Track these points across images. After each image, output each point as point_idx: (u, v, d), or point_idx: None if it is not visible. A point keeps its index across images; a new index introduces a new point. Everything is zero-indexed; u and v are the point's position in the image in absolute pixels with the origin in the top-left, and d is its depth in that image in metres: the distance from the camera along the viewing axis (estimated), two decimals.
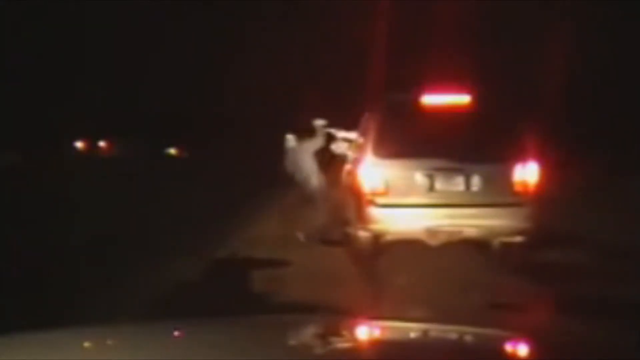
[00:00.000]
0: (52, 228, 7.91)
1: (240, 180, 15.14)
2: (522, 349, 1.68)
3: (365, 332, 1.90)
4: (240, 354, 1.50)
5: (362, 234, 6.17)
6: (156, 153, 31.41)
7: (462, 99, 6.22)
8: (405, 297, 4.83)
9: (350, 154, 7.31)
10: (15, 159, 18.55)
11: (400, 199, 5.97)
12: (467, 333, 1.85)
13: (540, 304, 5.10)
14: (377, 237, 6.12)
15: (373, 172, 6.03)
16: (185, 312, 4.31)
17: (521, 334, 1.85)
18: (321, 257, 6.82)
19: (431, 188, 5.95)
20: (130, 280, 5.48)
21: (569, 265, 6.49)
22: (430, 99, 6.23)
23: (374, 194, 6.00)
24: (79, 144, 31.90)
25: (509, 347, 1.69)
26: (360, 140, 6.76)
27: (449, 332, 1.90)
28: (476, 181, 5.89)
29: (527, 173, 5.73)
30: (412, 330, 1.91)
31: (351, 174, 6.77)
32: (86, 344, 1.65)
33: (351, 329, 1.94)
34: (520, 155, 5.75)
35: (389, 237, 6.12)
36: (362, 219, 6.11)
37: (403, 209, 6.00)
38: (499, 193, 5.88)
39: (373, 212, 5.99)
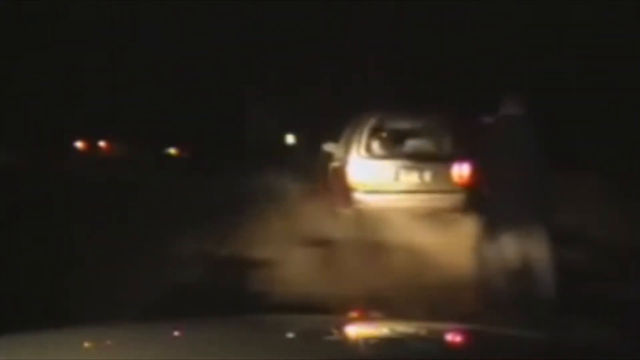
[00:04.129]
0: (51, 228, 7.91)
1: (241, 180, 15.14)
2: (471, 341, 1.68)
3: (364, 331, 1.91)
4: (240, 354, 1.50)
5: (347, 211, 8.46)
6: (156, 153, 31.43)
7: (419, 119, 9.07)
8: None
9: (337, 154, 9.51)
10: (10, 158, 18.43)
11: (375, 187, 8.44)
12: (461, 331, 1.85)
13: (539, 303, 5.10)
14: (358, 213, 8.31)
15: (357, 168, 8.53)
16: (185, 312, 4.31)
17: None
18: (321, 257, 6.82)
19: (397, 180, 8.48)
20: (130, 280, 5.48)
21: (569, 265, 6.50)
22: (395, 120, 8.98)
23: (358, 183, 8.43)
24: (79, 144, 31.87)
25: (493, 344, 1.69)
26: (345, 145, 9.12)
27: (445, 331, 1.90)
28: (427, 175, 8.45)
29: (461, 170, 7.47)
30: (410, 328, 1.91)
31: (339, 169, 9.02)
32: (86, 344, 1.65)
33: (350, 328, 1.94)
34: (457, 158, 7.61)
35: (366, 214, 8.21)
36: (348, 201, 8.43)
37: (377, 194, 8.43)
38: (442, 184, 8.24)
39: (356, 196, 8.39)
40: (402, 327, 1.96)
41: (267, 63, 22.49)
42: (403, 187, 8.44)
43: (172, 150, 38.93)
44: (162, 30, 23.73)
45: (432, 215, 7.97)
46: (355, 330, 1.92)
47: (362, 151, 8.61)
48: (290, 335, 1.84)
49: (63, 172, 15.98)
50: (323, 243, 7.24)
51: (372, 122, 8.85)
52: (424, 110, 9.49)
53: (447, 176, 7.95)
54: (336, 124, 10.23)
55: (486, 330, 1.85)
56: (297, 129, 16.87)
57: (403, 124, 9.01)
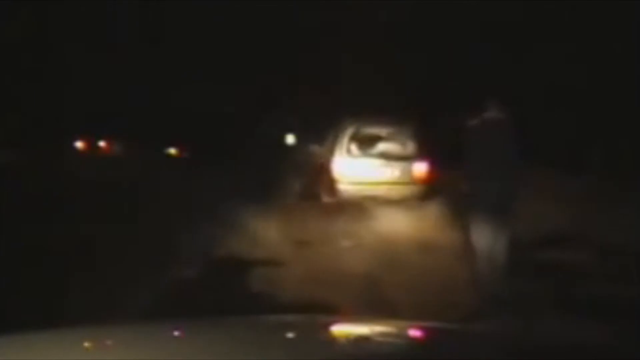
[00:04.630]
0: (51, 228, 7.91)
1: (241, 180, 15.13)
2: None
3: (364, 331, 1.91)
4: (240, 354, 1.50)
5: (330, 199, 10.62)
6: (156, 153, 31.37)
7: (388, 127, 10.96)
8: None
9: (323, 154, 11.58)
10: (10, 157, 18.42)
11: (354, 180, 10.48)
12: (453, 331, 1.85)
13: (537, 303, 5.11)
14: (339, 202, 10.42)
15: (340, 165, 10.59)
16: (185, 312, 4.31)
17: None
18: (320, 257, 6.84)
19: (371, 175, 10.48)
20: (130, 280, 5.48)
21: (569, 265, 6.50)
22: (369, 128, 10.97)
23: (340, 178, 10.51)
24: (79, 144, 31.81)
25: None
26: (330, 147, 11.19)
27: (444, 331, 1.90)
28: (395, 171, 10.49)
29: (420, 168, 10.36)
30: (408, 329, 1.91)
31: (325, 166, 11.04)
32: (86, 344, 1.65)
33: (350, 329, 1.94)
34: (417, 158, 10.43)
35: (347, 201, 10.34)
36: (333, 191, 10.54)
37: (356, 186, 10.45)
38: (406, 178, 10.43)
39: (340, 187, 10.47)
40: (403, 328, 1.96)
41: (271, 67, 23.14)
42: (376, 181, 10.55)
43: (172, 150, 38.92)
44: (164, 30, 23.72)
45: (398, 202, 10.24)
46: (355, 331, 1.92)
47: (344, 152, 10.71)
48: (290, 335, 1.84)
49: (63, 171, 15.98)
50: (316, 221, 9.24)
51: (351, 129, 10.94)
52: (392, 119, 11.28)
53: (410, 172, 10.48)
54: (328, 127, 12.24)
55: (468, 329, 1.85)
56: (297, 129, 17.81)
57: (375, 131, 11.01)
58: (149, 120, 28.54)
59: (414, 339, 1.80)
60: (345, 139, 10.80)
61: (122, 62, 24.04)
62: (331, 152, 10.91)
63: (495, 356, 1.57)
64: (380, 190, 10.40)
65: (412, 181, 10.39)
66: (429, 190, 10.25)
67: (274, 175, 12.21)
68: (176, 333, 1.79)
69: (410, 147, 10.64)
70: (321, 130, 12.70)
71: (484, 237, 5.34)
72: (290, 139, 16.29)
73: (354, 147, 10.73)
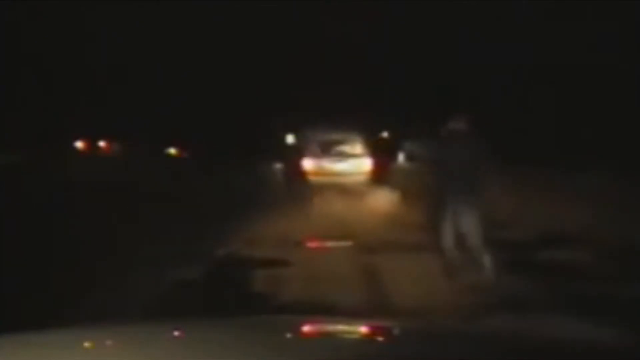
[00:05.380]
0: (51, 227, 7.91)
1: (240, 179, 15.18)
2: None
3: (363, 331, 1.91)
4: (240, 354, 1.50)
5: (302, 186, 13.86)
6: (156, 153, 31.40)
7: (342, 133, 16.14)
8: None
9: (296, 152, 15.84)
10: (15, 158, 18.49)
11: (319, 172, 14.78)
12: (453, 331, 1.85)
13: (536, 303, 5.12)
14: (309, 186, 13.90)
15: (308, 162, 14.95)
16: (185, 312, 4.32)
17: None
18: (320, 257, 6.84)
19: (331, 167, 14.94)
20: (130, 280, 5.48)
21: (569, 264, 6.51)
22: (329, 134, 16.06)
23: (309, 170, 14.80)
24: (79, 144, 31.80)
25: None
26: (299, 147, 15.88)
27: (444, 331, 1.90)
28: (348, 165, 15.00)
29: (366, 162, 15.11)
30: (408, 329, 1.92)
31: (297, 161, 15.10)
32: (86, 344, 1.65)
33: (349, 329, 1.94)
34: (364, 156, 15.18)
35: (315, 186, 14.00)
36: (302, 181, 14.24)
37: (320, 176, 14.61)
38: (356, 170, 14.94)
39: (308, 179, 14.35)
40: (403, 328, 1.96)
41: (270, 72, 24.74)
42: (335, 172, 14.96)
43: (172, 150, 38.94)
44: (166, 32, 23.73)
45: (351, 186, 14.08)
46: (354, 331, 1.92)
47: (311, 152, 15.20)
48: (290, 335, 1.84)
49: (64, 171, 15.99)
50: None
51: (315, 134, 15.78)
52: (346, 129, 16.12)
53: (359, 166, 15.14)
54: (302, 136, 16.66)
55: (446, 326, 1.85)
56: (296, 130, 19.79)
57: (333, 137, 15.84)
58: (149, 121, 28.51)
59: (413, 339, 1.80)
60: (311, 141, 15.63)
61: (122, 63, 24.02)
62: (302, 153, 15.34)
63: (495, 356, 1.57)
64: (338, 179, 14.76)
65: (360, 172, 15.08)
66: (372, 178, 14.92)
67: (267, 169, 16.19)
68: (176, 333, 1.79)
69: (359, 148, 15.52)
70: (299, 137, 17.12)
71: (450, 223, 6.11)
72: (290, 138, 18.97)
73: (317, 147, 15.42)
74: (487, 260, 5.83)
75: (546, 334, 2.11)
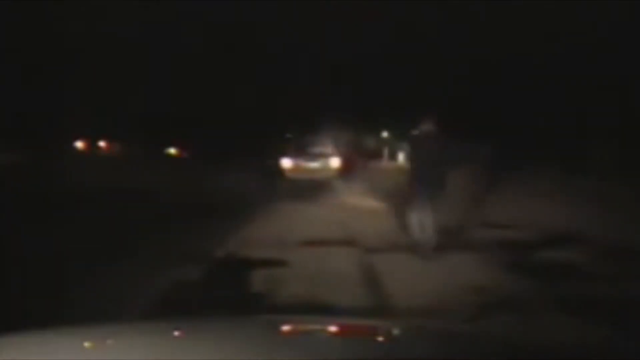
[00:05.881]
0: (51, 227, 7.91)
1: (240, 179, 15.22)
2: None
3: (363, 331, 1.91)
4: (239, 354, 1.50)
5: (282, 181, 16.60)
6: (156, 153, 31.44)
7: (316, 137, 19.64)
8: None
9: (277, 153, 18.36)
10: (16, 157, 18.53)
11: (296, 169, 17.33)
12: (453, 331, 1.85)
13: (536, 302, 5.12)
14: (287, 181, 16.58)
15: (286, 162, 17.46)
16: (185, 312, 4.31)
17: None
18: (319, 257, 6.85)
19: (306, 166, 17.46)
20: (130, 280, 5.48)
21: (569, 264, 6.52)
22: (304, 137, 19.80)
23: (287, 169, 17.34)
24: (79, 144, 31.81)
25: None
26: (281, 148, 18.51)
27: (444, 331, 1.90)
28: (321, 164, 17.49)
29: (335, 161, 17.61)
30: (404, 329, 1.92)
31: (277, 161, 17.68)
32: (86, 344, 1.65)
33: (349, 329, 1.94)
34: (334, 156, 17.72)
35: (293, 181, 16.49)
36: (283, 178, 16.89)
37: (296, 173, 17.17)
38: (328, 167, 17.48)
39: (287, 174, 17.13)
40: (403, 328, 1.96)
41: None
42: (310, 169, 17.37)
43: (172, 150, 38.97)
44: (167, 32, 23.74)
45: (324, 180, 16.53)
46: (354, 331, 1.93)
47: (289, 152, 17.79)
48: (289, 335, 1.84)
49: (64, 171, 16.00)
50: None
51: (293, 138, 19.38)
52: (319, 132, 19.73)
53: (330, 164, 17.42)
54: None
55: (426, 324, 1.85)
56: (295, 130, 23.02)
57: (308, 139, 18.84)
58: (149, 121, 28.48)
59: (412, 339, 1.80)
60: (290, 143, 18.81)
61: (122, 63, 24.01)
62: (281, 152, 18.02)
63: (494, 356, 1.57)
64: (311, 174, 17.17)
65: (332, 169, 17.46)
66: (341, 173, 17.43)
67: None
68: (176, 333, 1.79)
69: (329, 149, 17.96)
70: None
71: (417, 207, 7.25)
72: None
73: (294, 149, 18.06)
74: (432, 240, 7.05)
75: (541, 334, 2.12)
